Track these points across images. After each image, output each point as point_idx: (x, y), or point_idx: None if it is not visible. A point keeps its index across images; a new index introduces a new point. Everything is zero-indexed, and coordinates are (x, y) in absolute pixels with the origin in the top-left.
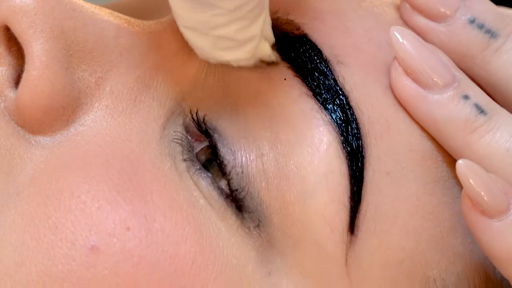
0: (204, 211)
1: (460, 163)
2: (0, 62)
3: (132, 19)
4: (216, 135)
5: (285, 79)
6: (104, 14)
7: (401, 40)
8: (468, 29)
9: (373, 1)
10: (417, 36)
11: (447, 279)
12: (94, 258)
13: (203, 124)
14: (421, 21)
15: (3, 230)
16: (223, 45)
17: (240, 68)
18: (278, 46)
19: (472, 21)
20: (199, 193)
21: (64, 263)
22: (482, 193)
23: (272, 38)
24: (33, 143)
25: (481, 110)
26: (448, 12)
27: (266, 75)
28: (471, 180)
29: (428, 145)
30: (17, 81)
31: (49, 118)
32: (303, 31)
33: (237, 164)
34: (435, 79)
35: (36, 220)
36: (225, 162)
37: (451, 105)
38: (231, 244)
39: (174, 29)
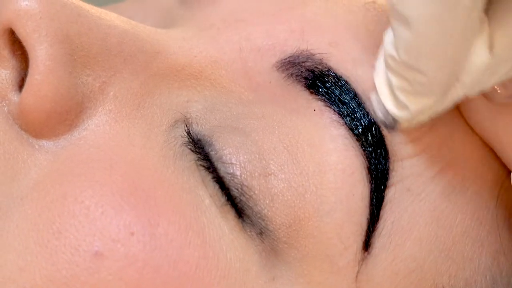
0: (208, 212)
1: None
2: (4, 65)
3: (139, 24)
4: (213, 152)
5: (314, 110)
6: (110, 19)
7: None
8: None
9: (376, 8)
10: None
11: (456, 285)
12: (98, 263)
13: (198, 141)
14: None
15: (6, 234)
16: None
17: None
18: (306, 81)
19: None
20: (206, 191)
21: (68, 268)
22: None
23: None
24: (37, 147)
25: None
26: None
27: (289, 105)
28: None
29: (447, 154)
30: (21, 85)
31: (53, 122)
32: (326, 64)
33: (235, 180)
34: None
35: (40, 225)
36: (222, 176)
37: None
38: (235, 247)
39: (184, 38)
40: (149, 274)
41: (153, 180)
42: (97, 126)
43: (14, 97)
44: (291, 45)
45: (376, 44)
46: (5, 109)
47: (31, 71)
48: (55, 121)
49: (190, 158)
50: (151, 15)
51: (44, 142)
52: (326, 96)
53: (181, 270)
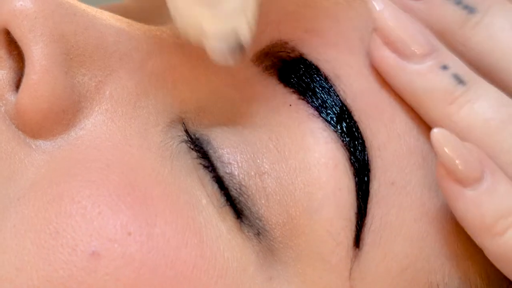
0: (205, 212)
1: (435, 131)
2: (1, 65)
3: (134, 23)
4: (211, 151)
5: (290, 105)
6: (105, 18)
7: (378, 8)
8: (446, 5)
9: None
10: (395, 6)
11: (450, 284)
12: (95, 263)
13: (196, 140)
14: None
15: (3, 235)
16: (205, 18)
17: (243, 88)
18: (278, 73)
19: None
20: (203, 191)
21: (65, 269)
22: (457, 161)
23: (252, 24)
24: (34, 147)
25: (460, 80)
26: None
27: (270, 102)
28: (445, 149)
29: (425, 143)
30: (17, 85)
31: (49, 122)
32: (298, 52)
33: (234, 180)
34: (413, 49)
35: (37, 225)
36: (221, 176)
37: (430, 75)
38: (232, 247)
39: (175, 36)
40: (146, 274)
41: (150, 180)
42: (93, 126)
43: (11, 97)
44: (266, 37)
45: (354, 28)
46: (2, 109)
47: (27, 71)
48: (52, 121)
49: (187, 158)
50: (147, 12)
51: (41, 142)
52: (299, 87)
53: (178, 270)
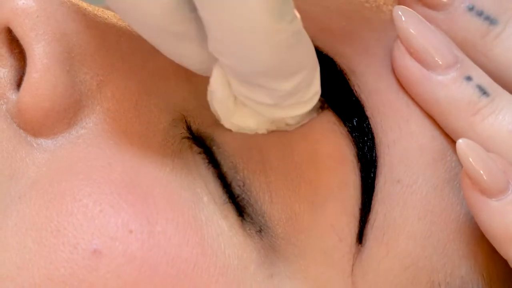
0: (207, 210)
1: (460, 142)
2: (3, 64)
3: None
4: (214, 147)
5: None
6: (107, 17)
7: (404, 19)
8: (467, 16)
9: (376, 0)
10: (420, 17)
11: (452, 283)
12: (96, 261)
13: (199, 137)
14: (420, 10)
15: (5, 233)
16: (286, 103)
17: None
18: None
19: (471, 9)
20: (204, 189)
21: (66, 267)
22: (481, 172)
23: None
24: (35, 145)
25: (484, 92)
26: (446, 0)
27: None
28: (470, 159)
29: (438, 145)
30: (19, 83)
31: (51, 121)
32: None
33: (238, 176)
34: (437, 59)
35: (38, 223)
36: (225, 172)
37: (454, 86)
38: (233, 244)
39: None
40: (147, 272)
41: (151, 179)
42: (95, 125)
43: (12, 95)
44: None
45: (370, 28)
46: (4, 107)
47: (28, 69)
48: (53, 120)
49: (189, 155)
50: None
51: (42, 141)
52: None
53: (180, 268)
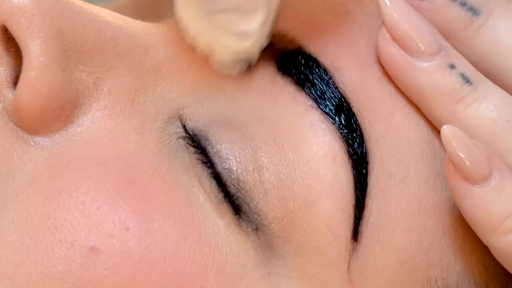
0: (203, 209)
1: (444, 128)
2: None
3: (131, 20)
4: (209, 146)
5: (289, 95)
6: (103, 15)
7: (389, 4)
8: (451, 6)
9: None
10: (406, 3)
11: (448, 278)
12: (93, 258)
13: (194, 136)
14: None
15: (2, 231)
16: (219, 32)
17: (241, 81)
18: (278, 64)
19: None
20: (200, 188)
21: (64, 264)
22: (465, 158)
23: (264, 43)
24: (32, 143)
25: (467, 80)
26: None
27: (269, 94)
28: (454, 145)
29: (424, 135)
30: (15, 82)
31: (47, 119)
32: (297, 43)
33: (232, 175)
34: (421, 46)
35: (35, 221)
36: (219, 172)
37: (437, 74)
38: (230, 242)
39: (173, 31)
40: (144, 269)
41: (148, 176)
42: (92, 123)
43: (9, 93)
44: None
45: (352, 21)
46: (0, 105)
47: (24, 67)
48: (50, 118)
49: (185, 155)
50: (144, 11)
51: (39, 139)
52: (297, 79)
53: (177, 265)
